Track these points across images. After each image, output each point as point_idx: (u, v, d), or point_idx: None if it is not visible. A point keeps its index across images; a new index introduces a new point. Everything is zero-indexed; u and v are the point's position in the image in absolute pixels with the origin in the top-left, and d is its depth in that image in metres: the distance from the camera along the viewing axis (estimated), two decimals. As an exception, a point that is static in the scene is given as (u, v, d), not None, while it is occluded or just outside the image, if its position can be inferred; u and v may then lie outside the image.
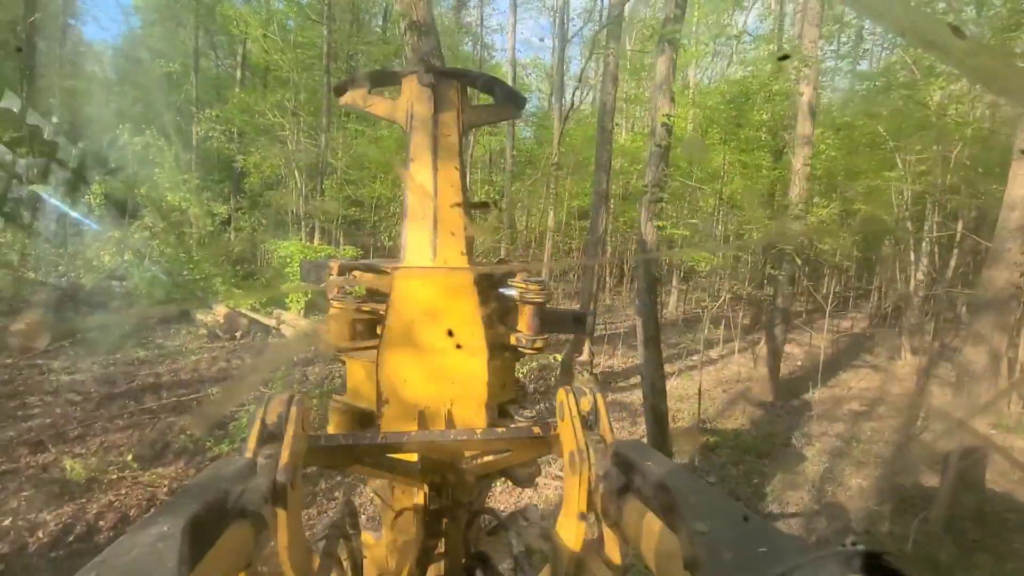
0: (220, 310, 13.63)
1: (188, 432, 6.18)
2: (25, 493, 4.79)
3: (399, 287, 1.94)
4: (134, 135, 16.34)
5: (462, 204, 2.12)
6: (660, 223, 6.69)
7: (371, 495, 4.39)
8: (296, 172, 17.64)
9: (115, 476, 5.12)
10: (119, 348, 10.49)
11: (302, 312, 14.31)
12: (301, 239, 16.47)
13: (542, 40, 27.82)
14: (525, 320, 2.08)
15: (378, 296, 2.24)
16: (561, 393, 1.45)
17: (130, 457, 5.24)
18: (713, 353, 13.37)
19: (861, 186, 12.68)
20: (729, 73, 20.78)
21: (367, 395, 2.03)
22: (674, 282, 18.12)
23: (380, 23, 29.64)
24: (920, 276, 12.98)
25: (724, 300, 11.16)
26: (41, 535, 4.16)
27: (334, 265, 2.41)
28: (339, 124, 19.88)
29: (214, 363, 9.89)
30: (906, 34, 0.63)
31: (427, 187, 2.12)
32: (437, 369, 1.90)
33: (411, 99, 2.24)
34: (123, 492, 4.89)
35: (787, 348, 11.99)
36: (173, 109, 27.40)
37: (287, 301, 14.59)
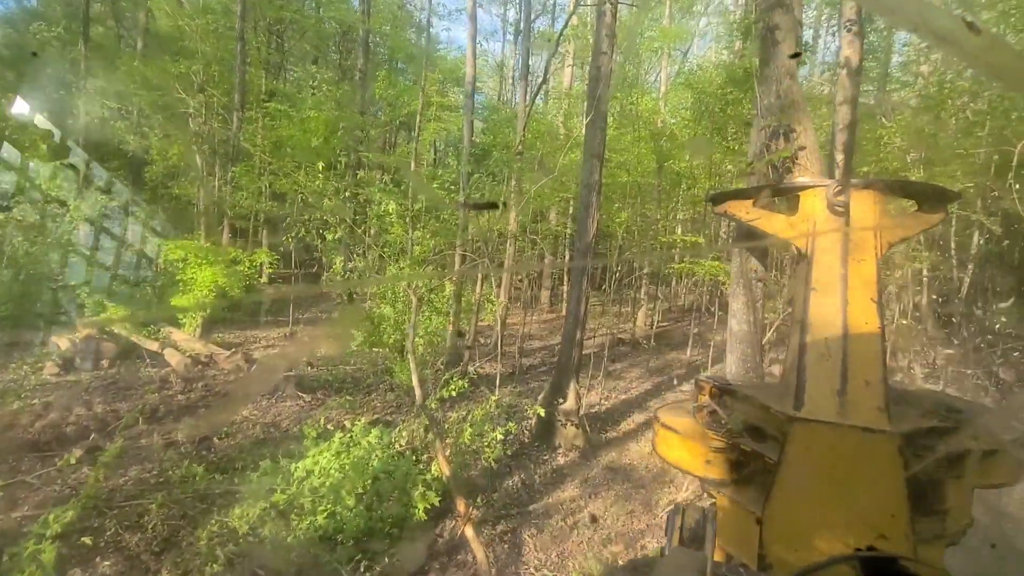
0: (85, 331, 10.55)
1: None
2: None
3: (797, 442, 1.68)
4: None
5: (882, 347, 1.75)
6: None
7: None
8: (199, 157, 14.55)
9: None
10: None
11: (198, 331, 11.40)
12: (200, 238, 13.44)
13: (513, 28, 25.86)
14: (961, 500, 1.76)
15: (758, 432, 2.01)
16: None
17: None
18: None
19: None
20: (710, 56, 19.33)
21: (736, 542, 1.84)
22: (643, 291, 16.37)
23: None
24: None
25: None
26: None
27: (706, 386, 2.30)
28: (257, 103, 16.88)
29: (45, 414, 6.98)
30: (919, 30, 0.61)
31: (834, 323, 1.78)
32: (839, 546, 1.57)
33: (813, 216, 1.96)
34: None
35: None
36: (55, 82, 23.22)
37: (180, 317, 11.65)
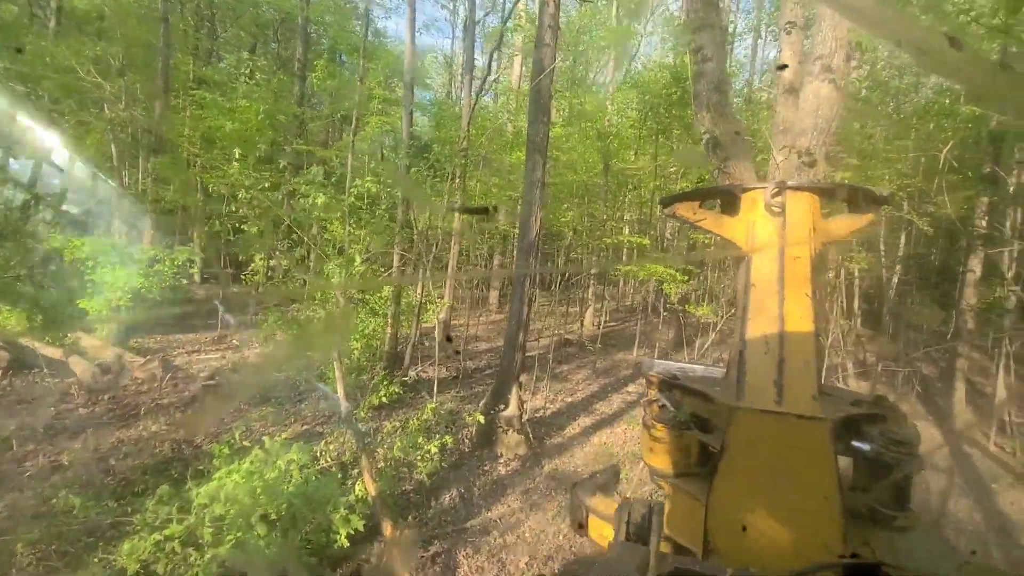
0: (-27, 337, 9.41)
1: None
2: None
3: (739, 431, 1.80)
4: None
5: (814, 339, 1.87)
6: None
7: None
8: (114, 147, 13.37)
9: None
10: None
11: (111, 337, 10.41)
12: (115, 235, 12.34)
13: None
14: (886, 486, 1.74)
15: (704, 423, 2.11)
16: None
17: None
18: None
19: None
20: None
21: (687, 532, 1.95)
22: (590, 292, 16.34)
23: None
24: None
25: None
26: None
27: (655, 378, 2.35)
28: (184, 90, 15.72)
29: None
30: (901, 44, 0.60)
31: (771, 318, 1.90)
32: (778, 528, 1.68)
33: (752, 217, 2.07)
34: None
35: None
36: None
37: (92, 322, 10.61)
